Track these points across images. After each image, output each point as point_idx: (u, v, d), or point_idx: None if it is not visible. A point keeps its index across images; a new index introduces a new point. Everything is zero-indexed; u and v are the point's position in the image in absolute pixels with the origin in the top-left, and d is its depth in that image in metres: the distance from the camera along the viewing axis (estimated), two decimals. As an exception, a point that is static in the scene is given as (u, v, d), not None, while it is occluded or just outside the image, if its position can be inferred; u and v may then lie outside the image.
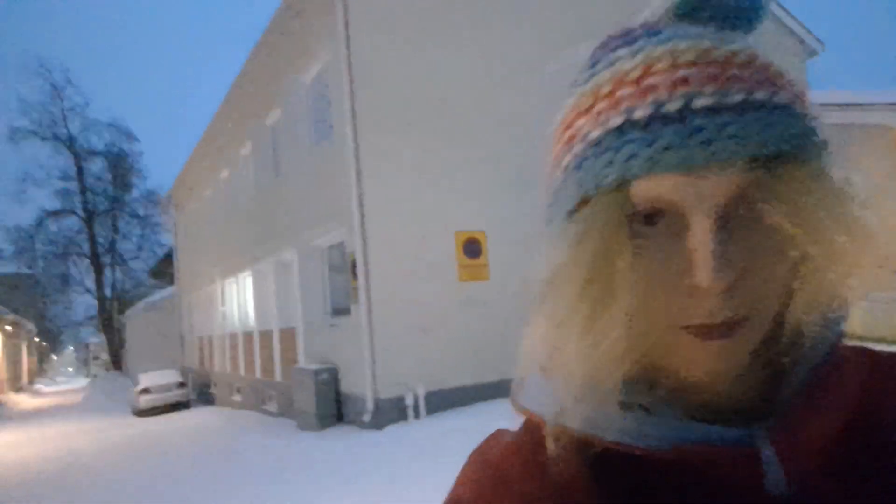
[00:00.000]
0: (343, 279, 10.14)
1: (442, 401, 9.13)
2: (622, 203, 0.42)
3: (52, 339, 65.94)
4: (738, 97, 0.40)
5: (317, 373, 9.77)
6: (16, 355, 36.57)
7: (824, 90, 14.20)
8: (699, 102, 0.40)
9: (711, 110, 0.40)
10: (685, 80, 0.41)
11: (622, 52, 0.44)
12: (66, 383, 52.74)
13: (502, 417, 0.56)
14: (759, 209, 0.42)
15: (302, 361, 10.99)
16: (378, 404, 8.86)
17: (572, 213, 0.45)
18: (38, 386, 47.39)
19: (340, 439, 8.80)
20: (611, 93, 0.43)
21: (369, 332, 8.92)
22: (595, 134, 0.43)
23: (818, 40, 15.18)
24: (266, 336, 13.42)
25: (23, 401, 31.38)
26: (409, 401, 8.85)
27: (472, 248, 9.73)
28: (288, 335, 11.98)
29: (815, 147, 0.43)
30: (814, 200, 0.42)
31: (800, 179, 0.42)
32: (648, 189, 0.42)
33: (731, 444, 0.45)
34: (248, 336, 14.74)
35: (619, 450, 0.46)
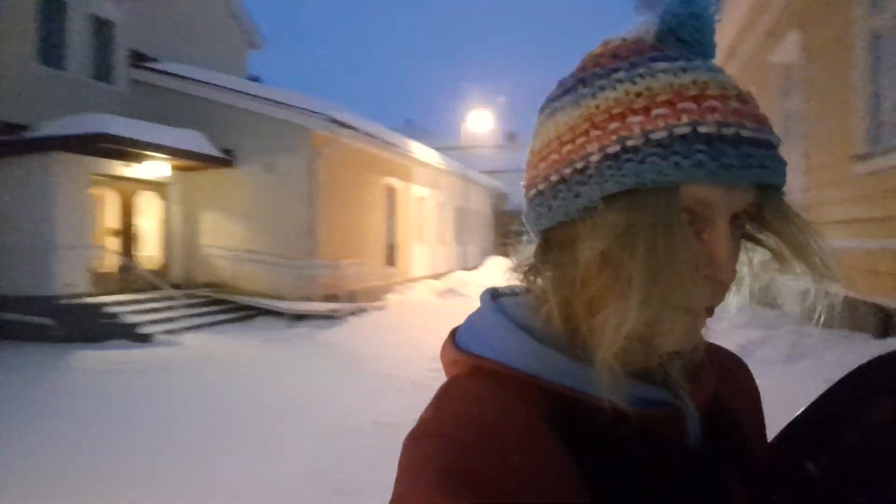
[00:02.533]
0: None
1: None
2: (675, 199, 0.47)
3: None
4: (767, 135, 0.48)
5: None
6: None
7: (262, 84, 16.22)
8: (746, 133, 0.47)
9: (750, 141, 0.47)
10: (738, 112, 0.47)
11: (662, 65, 0.49)
12: None
13: None
14: (745, 222, 0.52)
15: None
16: None
17: (609, 197, 0.48)
18: None
19: None
20: (669, 102, 0.47)
21: None
22: (658, 135, 0.47)
23: (262, 36, 17.17)
24: None
25: None
26: None
27: None
28: None
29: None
30: (794, 227, 0.52)
31: (786, 208, 0.51)
32: (695, 192, 0.47)
33: (662, 405, 0.53)
34: None
35: (574, 403, 0.50)
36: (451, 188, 20.92)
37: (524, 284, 0.58)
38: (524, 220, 0.58)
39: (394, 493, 0.46)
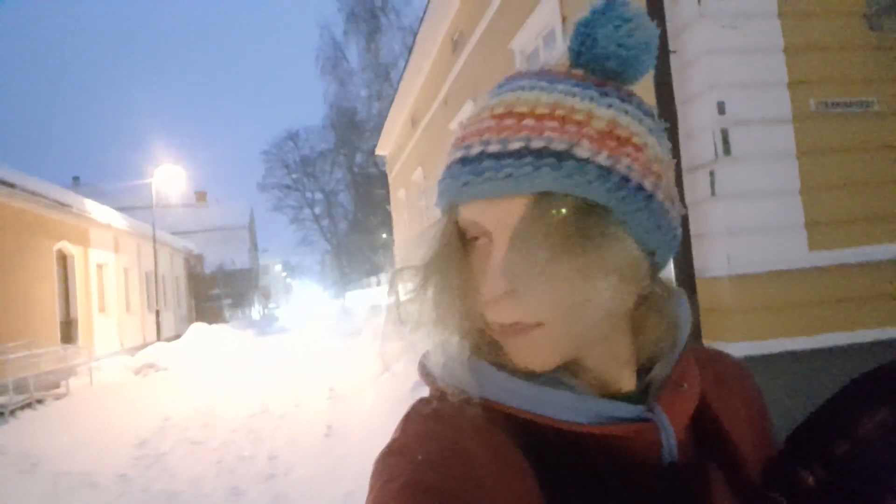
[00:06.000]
0: None
1: None
2: (454, 221, 0.52)
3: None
4: (517, 145, 0.47)
5: None
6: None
7: None
8: (490, 148, 0.48)
9: (497, 155, 0.47)
10: (488, 129, 0.49)
11: (486, 97, 0.53)
12: None
13: None
14: (542, 235, 0.47)
15: None
16: None
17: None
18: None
19: None
20: (461, 131, 0.52)
21: None
22: (447, 163, 0.52)
23: None
24: None
25: None
26: None
27: None
28: None
29: (589, 187, 0.46)
30: (574, 233, 0.46)
31: (563, 214, 0.47)
32: (465, 212, 0.50)
33: (634, 420, 0.50)
34: None
35: (539, 424, 0.50)
36: (137, 251, 18.94)
37: None
38: None
39: None
